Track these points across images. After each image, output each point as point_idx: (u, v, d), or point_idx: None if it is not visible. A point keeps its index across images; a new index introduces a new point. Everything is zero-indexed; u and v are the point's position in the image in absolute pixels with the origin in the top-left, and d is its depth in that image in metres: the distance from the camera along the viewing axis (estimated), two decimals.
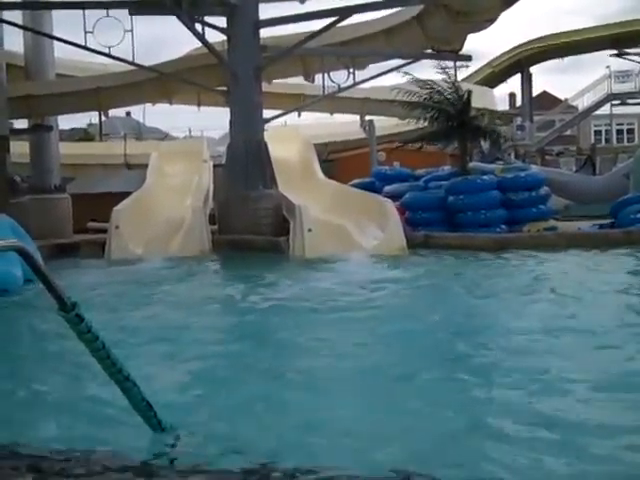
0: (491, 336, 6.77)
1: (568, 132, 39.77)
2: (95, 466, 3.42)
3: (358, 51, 18.47)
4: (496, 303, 8.67)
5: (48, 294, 3.42)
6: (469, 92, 16.33)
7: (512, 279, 10.46)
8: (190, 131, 37.80)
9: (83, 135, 37.23)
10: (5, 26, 16.15)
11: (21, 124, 19.68)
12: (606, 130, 50.79)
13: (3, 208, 12.59)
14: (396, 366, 5.80)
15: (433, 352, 6.24)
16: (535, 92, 41.10)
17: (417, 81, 16.70)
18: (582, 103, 38.52)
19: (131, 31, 16.12)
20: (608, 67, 37.55)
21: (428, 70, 17.35)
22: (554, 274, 10.62)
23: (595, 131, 50.84)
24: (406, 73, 17.09)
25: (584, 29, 37.20)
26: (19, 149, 18.26)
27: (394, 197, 15.27)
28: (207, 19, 16.02)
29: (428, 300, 9.08)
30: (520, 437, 4.13)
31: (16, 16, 17.18)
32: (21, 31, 17.52)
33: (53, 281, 3.40)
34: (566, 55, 38.48)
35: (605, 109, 40.89)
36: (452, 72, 16.76)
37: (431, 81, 16.70)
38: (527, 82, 38.46)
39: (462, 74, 31.90)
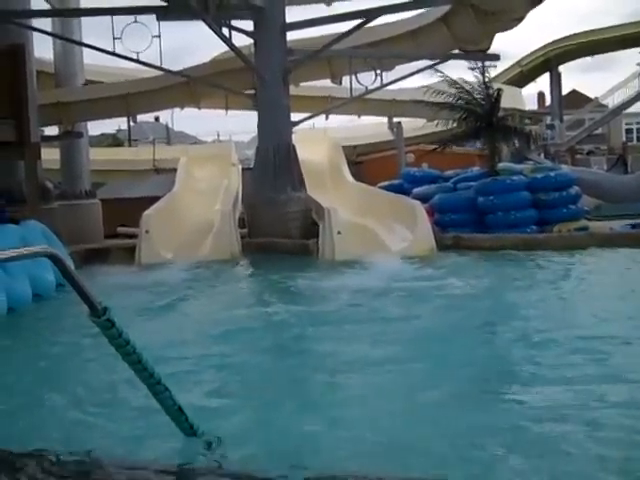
0: (540, 341, 6.59)
1: (599, 131, 39.33)
2: (126, 470, 3.43)
3: (385, 53, 18.43)
4: (536, 305, 8.52)
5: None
6: (499, 91, 16.23)
7: (549, 280, 10.30)
8: (218, 135, 38.05)
9: (112, 141, 37.56)
10: (35, 34, 16.29)
11: (52, 131, 19.86)
12: (637, 128, 50.20)
13: (35, 214, 12.69)
14: (438, 374, 5.78)
15: (474, 362, 6.16)
16: (564, 91, 40.70)
17: (446, 80, 16.62)
18: (612, 101, 38.10)
19: (159, 37, 16.21)
20: (639, 64, 37.14)
21: (456, 71, 17.38)
22: (590, 275, 10.49)
23: (626, 129, 50.23)
24: (437, 70, 17.04)
25: (613, 27, 36.85)
26: (50, 155, 18.43)
27: (423, 199, 15.21)
28: (234, 23, 16.05)
29: (462, 303, 8.99)
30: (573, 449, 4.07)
31: (45, 23, 17.35)
32: (51, 39, 17.70)
33: (84, 286, 3.41)
34: (595, 53, 38.13)
35: (636, 107, 40.38)
36: (481, 71, 16.60)
37: (461, 79, 16.61)
38: (556, 81, 38.13)
39: (490, 74, 31.61)
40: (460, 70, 17.19)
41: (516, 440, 4.24)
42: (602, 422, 4.43)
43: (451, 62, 18.20)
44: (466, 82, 16.51)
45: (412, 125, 25.02)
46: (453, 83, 16.46)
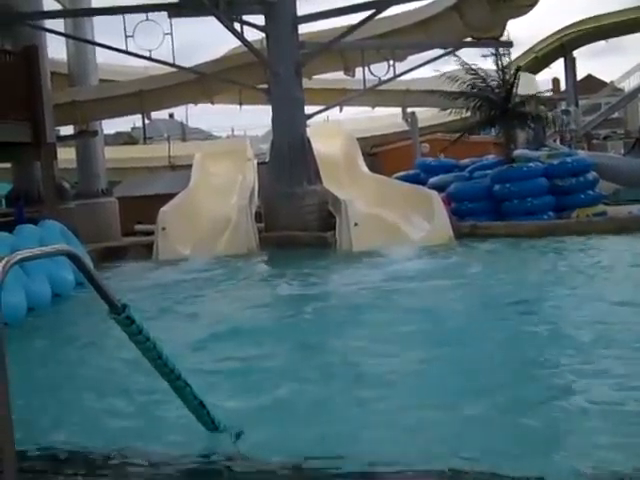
0: (566, 332, 6.52)
1: (615, 115, 38.96)
2: (150, 464, 3.45)
3: (397, 43, 18.35)
4: (556, 293, 8.41)
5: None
6: (517, 72, 16.07)
7: (576, 267, 10.23)
8: (233, 130, 38.04)
9: (127, 139, 37.63)
10: (48, 35, 16.35)
11: (67, 130, 19.94)
12: None
13: (52, 214, 12.76)
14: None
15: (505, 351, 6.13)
16: (579, 76, 40.39)
17: (461, 66, 16.48)
18: (628, 85, 37.74)
19: (170, 34, 16.25)
20: None
21: (468, 59, 17.12)
22: (615, 260, 10.37)
23: None
24: (455, 56, 16.87)
25: (626, 10, 36.47)
26: (66, 155, 18.51)
27: (439, 188, 15.19)
28: (245, 18, 16.05)
29: (485, 291, 8.95)
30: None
31: (58, 24, 17.42)
32: (63, 39, 17.76)
33: (103, 284, 3.43)
34: (609, 37, 37.77)
35: None
36: (495, 59, 16.48)
37: (475, 64, 16.50)
38: (571, 66, 37.83)
39: (510, 59, 31.41)
40: (473, 59, 17.07)
41: (559, 437, 4.20)
42: None
43: (463, 50, 18.12)
44: (481, 69, 16.41)
45: (426, 115, 24.94)
46: (469, 69, 16.32)
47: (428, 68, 18.30)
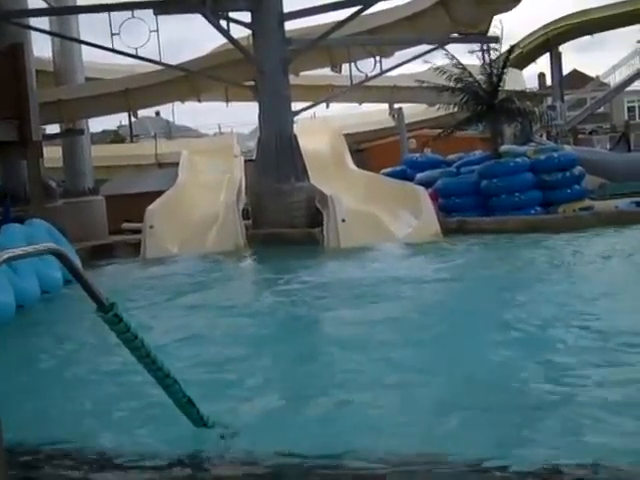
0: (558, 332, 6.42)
1: (601, 110, 39.15)
2: (139, 461, 3.46)
3: (384, 39, 18.38)
4: (543, 290, 8.38)
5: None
6: (510, 52, 16.09)
7: (558, 261, 10.27)
8: (220, 127, 37.98)
9: (114, 137, 37.54)
10: (33, 33, 16.30)
11: (53, 129, 19.88)
12: (639, 106, 49.95)
13: (39, 213, 12.72)
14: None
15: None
16: (565, 71, 40.48)
17: (451, 60, 16.47)
18: (614, 80, 37.91)
19: (156, 31, 16.23)
20: (639, 42, 36.92)
21: (455, 55, 17.15)
22: (600, 254, 10.42)
23: (628, 107, 50.01)
24: (444, 49, 16.85)
25: (612, 5, 36.56)
26: (52, 154, 18.45)
27: (426, 184, 15.23)
28: (231, 15, 16.05)
29: (472, 287, 8.96)
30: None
31: (43, 22, 17.36)
32: (49, 37, 17.71)
33: (90, 282, 3.43)
34: (595, 32, 37.88)
35: (638, 85, 40.20)
36: (481, 55, 16.53)
37: (474, 56, 16.53)
38: (556, 61, 37.93)
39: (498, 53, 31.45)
40: (460, 54, 17.08)
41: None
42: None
43: (450, 46, 18.15)
44: (469, 64, 16.44)
45: (413, 110, 24.99)
46: (456, 64, 16.33)
47: (415, 64, 18.34)
